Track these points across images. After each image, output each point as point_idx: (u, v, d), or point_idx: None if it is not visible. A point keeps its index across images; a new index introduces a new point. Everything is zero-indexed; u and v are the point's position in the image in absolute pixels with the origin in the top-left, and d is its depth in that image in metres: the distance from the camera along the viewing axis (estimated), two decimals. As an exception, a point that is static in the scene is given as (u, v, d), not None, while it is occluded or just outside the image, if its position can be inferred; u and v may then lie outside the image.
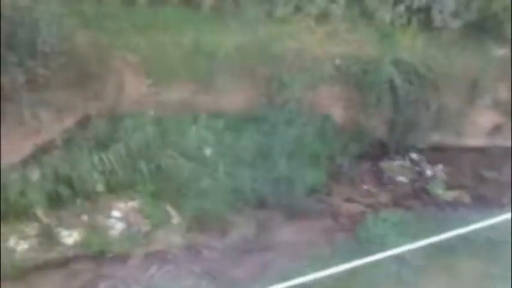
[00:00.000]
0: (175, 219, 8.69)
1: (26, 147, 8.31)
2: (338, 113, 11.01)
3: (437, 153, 11.32)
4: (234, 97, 10.59)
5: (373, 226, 9.39)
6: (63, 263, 7.79)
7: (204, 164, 9.34)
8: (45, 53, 8.68)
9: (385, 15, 11.51)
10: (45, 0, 8.86)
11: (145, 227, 8.44)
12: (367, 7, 11.53)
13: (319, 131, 10.69)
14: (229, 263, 8.31)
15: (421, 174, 11.14)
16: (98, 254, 8.01)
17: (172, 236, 8.49)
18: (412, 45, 11.34)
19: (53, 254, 7.77)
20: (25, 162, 8.15)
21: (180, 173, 8.97)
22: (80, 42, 9.49)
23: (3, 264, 7.34)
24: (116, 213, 8.47)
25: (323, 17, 11.15)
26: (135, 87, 9.76)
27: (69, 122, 8.87)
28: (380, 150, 11.30)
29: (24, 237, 7.78)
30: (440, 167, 11.22)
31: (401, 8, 11.49)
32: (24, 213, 7.93)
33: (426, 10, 11.58)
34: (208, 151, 9.55)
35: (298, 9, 11.23)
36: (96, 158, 8.52)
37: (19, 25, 8.49)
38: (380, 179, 10.90)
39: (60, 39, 8.85)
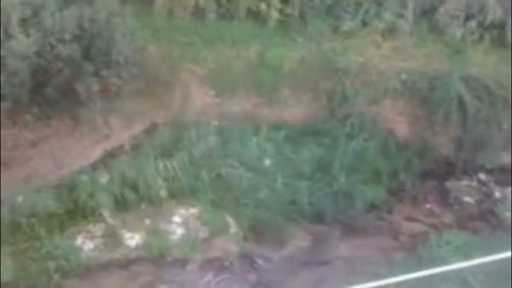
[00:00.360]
0: (233, 228, 8.83)
1: (97, 152, 8.83)
2: (402, 129, 10.77)
3: (507, 174, 10.74)
4: (296, 110, 10.69)
5: (436, 247, 9.01)
6: (125, 264, 8.14)
7: (263, 175, 9.45)
8: (119, 63, 9.18)
9: (456, 31, 11.22)
10: (121, 14, 9.38)
11: (203, 234, 8.64)
12: (437, 22, 11.30)
13: (382, 146, 10.50)
14: (285, 275, 8.32)
15: (489, 195, 10.60)
16: (158, 257, 8.30)
17: (229, 244, 8.63)
18: (483, 62, 10.93)
19: (116, 255, 8.13)
20: (95, 166, 8.64)
21: (239, 183, 9.13)
22: (152, 54, 10.01)
23: (70, 260, 7.78)
24: (176, 219, 8.74)
25: (390, 31, 11.03)
26: (200, 98, 10.12)
27: (138, 129, 9.33)
28: (446, 169, 10.88)
29: (90, 237, 8.21)
30: (510, 189, 10.64)
31: (473, 23, 11.15)
32: (91, 214, 8.37)
33: (500, 26, 11.15)
34: (267, 162, 9.66)
35: (364, 24, 11.19)
36: (160, 165, 8.85)
37: (97, 37, 9.05)
38: (445, 199, 10.49)
39: (133, 51, 9.34)
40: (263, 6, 11.05)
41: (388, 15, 10.99)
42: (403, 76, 10.61)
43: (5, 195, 7.68)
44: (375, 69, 10.70)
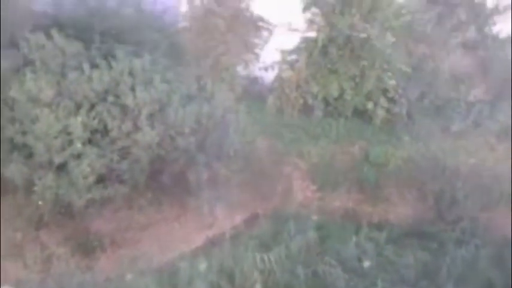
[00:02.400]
0: (326, 329, 8.48)
1: (199, 239, 9.24)
2: (520, 238, 9.86)
3: None
4: (401, 209, 10.36)
5: None
6: None
7: (362, 277, 9.07)
8: (229, 156, 9.80)
9: None
10: (235, 110, 10.16)
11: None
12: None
13: (496, 256, 9.61)
14: None
15: None
16: None
17: None
18: None
19: None
20: (196, 253, 9.02)
21: (335, 283, 8.86)
22: (259, 147, 10.58)
23: None
24: (269, 313, 8.64)
25: (505, 133, 10.53)
26: (301, 192, 10.31)
27: (239, 219, 9.67)
28: None
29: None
30: None
31: None
32: (188, 301, 8.61)
33: None
34: (367, 263, 9.29)
35: (476, 124, 10.86)
36: (258, 257, 8.96)
37: (212, 131, 9.83)
38: None
39: (243, 145, 9.97)
40: (370, 105, 11.32)
41: (502, 116, 10.57)
42: (520, 180, 9.91)
43: (113, 274, 8.29)
44: (488, 172, 10.12)
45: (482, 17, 12.26)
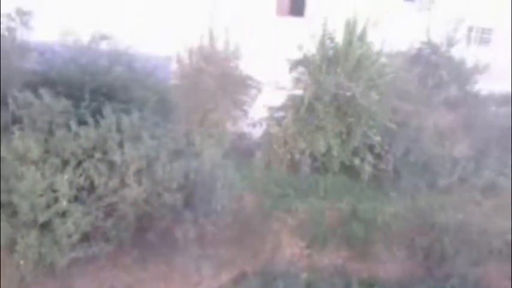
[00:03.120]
0: None
1: (184, 298, 9.05)
2: (511, 295, 9.74)
3: None
4: (390, 266, 10.26)
5: None
6: None
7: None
8: (217, 211, 9.71)
9: None
10: (223, 166, 10.18)
11: None
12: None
13: (488, 314, 9.50)
14: None
15: None
16: None
17: None
18: None
19: None
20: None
21: None
22: (247, 203, 10.53)
23: None
24: None
25: (490, 189, 10.63)
26: (290, 249, 10.19)
27: (227, 277, 9.48)
28: None
29: None
30: None
31: None
32: None
33: None
34: (358, 322, 9.13)
35: (462, 180, 10.96)
36: (246, 316, 8.77)
37: (199, 187, 9.78)
38: None
39: (230, 200, 9.91)
40: (357, 161, 11.41)
41: (487, 173, 10.70)
42: (508, 237, 9.90)
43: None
44: (476, 227, 10.14)
45: (463, 76, 12.69)
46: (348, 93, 11.08)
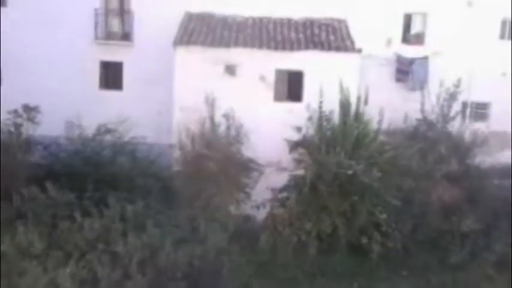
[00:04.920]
0: None
1: None
2: None
3: None
4: None
5: None
6: None
7: None
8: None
9: None
10: (229, 251, 10.00)
11: None
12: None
13: None
14: None
15: None
16: None
17: None
18: None
19: None
20: None
21: None
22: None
23: None
24: None
25: (503, 263, 10.33)
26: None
27: None
28: None
29: None
30: None
31: None
32: None
33: None
34: None
35: (474, 255, 10.70)
36: None
37: (205, 274, 9.50)
38: None
39: (236, 287, 9.61)
40: (364, 240, 11.23)
41: (498, 246, 10.47)
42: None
43: None
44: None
45: (462, 150, 12.83)
46: (349, 172, 11.16)
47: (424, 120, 13.20)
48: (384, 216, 11.18)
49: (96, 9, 15.51)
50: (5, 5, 15.42)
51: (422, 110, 13.32)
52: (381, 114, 12.09)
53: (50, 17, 15.31)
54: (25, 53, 15.36)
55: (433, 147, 12.41)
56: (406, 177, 11.70)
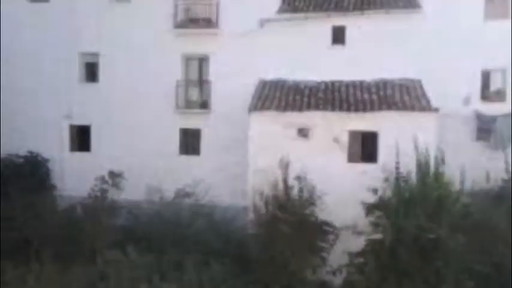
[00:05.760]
0: None
1: None
2: None
3: None
4: None
5: None
6: None
7: None
8: None
9: None
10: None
11: None
12: None
13: None
14: None
15: None
16: None
17: None
18: None
19: None
20: None
21: None
22: None
23: None
24: None
25: None
26: None
27: None
28: None
29: None
30: None
31: None
32: None
33: None
34: None
35: None
36: None
37: None
38: None
39: None
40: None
41: None
42: None
43: None
44: None
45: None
46: (431, 236, 10.59)
47: (510, 180, 12.42)
48: (471, 284, 10.37)
49: (177, 81, 16.61)
50: (97, 81, 16.96)
51: (507, 169, 12.58)
52: (462, 174, 11.56)
53: (136, 89, 16.59)
54: (112, 122, 16.63)
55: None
56: (494, 241, 10.89)
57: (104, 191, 11.92)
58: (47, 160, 16.43)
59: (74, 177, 15.87)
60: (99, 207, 11.68)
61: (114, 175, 12.04)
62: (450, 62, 15.38)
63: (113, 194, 12.03)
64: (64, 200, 13.71)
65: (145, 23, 16.54)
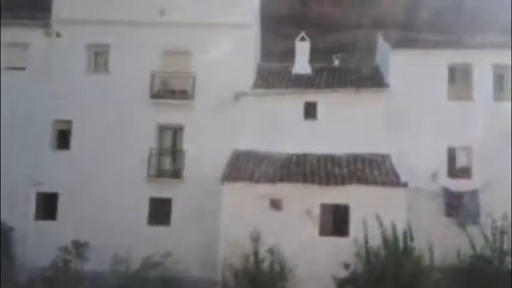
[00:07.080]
0: None
1: None
2: None
3: None
4: None
5: None
6: None
7: None
8: None
9: None
10: None
11: None
12: None
13: None
14: None
15: None
16: None
17: None
18: None
19: None
20: None
21: None
22: None
23: None
24: None
25: None
26: None
27: None
28: None
29: None
30: None
31: None
32: None
33: None
34: None
35: None
36: None
37: None
38: None
39: None
40: None
41: None
42: None
43: None
44: None
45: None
46: None
47: (479, 256, 12.45)
48: None
49: (151, 149, 16.61)
50: (68, 148, 16.78)
51: (473, 246, 12.65)
52: (431, 249, 11.60)
53: (108, 156, 16.44)
54: (81, 190, 16.24)
55: (492, 285, 11.52)
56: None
57: (67, 262, 11.45)
58: (11, 229, 15.78)
59: (38, 247, 15.22)
60: (61, 279, 11.16)
61: (78, 245, 11.64)
62: (418, 139, 15.90)
63: (76, 265, 11.56)
64: (25, 272, 13.07)
65: (122, 92, 16.77)
